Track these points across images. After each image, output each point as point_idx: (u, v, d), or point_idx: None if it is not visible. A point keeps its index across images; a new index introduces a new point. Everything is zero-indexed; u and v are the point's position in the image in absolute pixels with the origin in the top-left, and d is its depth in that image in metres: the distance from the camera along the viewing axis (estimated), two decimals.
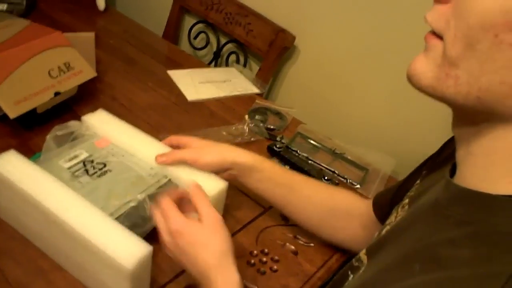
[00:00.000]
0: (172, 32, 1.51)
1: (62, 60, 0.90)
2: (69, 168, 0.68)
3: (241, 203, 0.79)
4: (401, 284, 0.38)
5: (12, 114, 0.79)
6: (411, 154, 1.09)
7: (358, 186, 0.94)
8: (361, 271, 0.51)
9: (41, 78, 0.85)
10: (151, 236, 0.64)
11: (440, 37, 0.37)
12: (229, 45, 1.42)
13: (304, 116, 1.14)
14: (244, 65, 1.39)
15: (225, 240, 0.56)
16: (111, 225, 0.59)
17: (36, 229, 0.65)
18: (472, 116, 0.38)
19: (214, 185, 0.69)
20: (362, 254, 0.53)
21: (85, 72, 0.93)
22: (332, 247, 0.78)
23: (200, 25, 1.47)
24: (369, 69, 1.14)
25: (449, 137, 0.56)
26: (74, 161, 0.70)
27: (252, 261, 0.73)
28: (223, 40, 1.43)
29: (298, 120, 1.11)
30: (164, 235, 0.57)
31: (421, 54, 0.39)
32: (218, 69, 1.34)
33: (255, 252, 0.75)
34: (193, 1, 1.43)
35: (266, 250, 0.75)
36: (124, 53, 1.24)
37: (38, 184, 0.62)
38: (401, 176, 1.01)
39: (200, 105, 1.10)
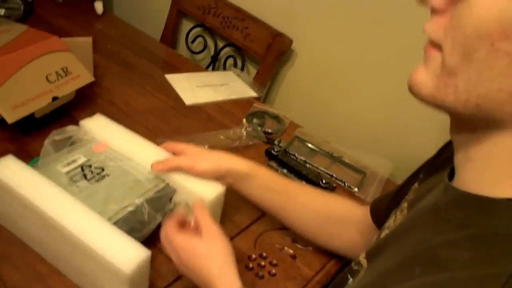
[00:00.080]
0: (169, 36, 1.52)
1: (60, 65, 0.90)
2: (67, 172, 0.68)
3: (239, 207, 0.80)
4: (401, 286, 0.38)
5: (10, 119, 0.79)
6: (409, 157, 1.09)
7: (356, 189, 0.94)
8: (360, 274, 0.51)
9: (39, 83, 0.85)
10: (149, 240, 0.64)
11: (438, 47, 0.38)
12: (227, 49, 1.43)
13: (301, 120, 1.14)
14: (242, 69, 1.39)
15: (226, 250, 0.58)
16: (109, 229, 0.59)
17: (34, 234, 0.65)
18: (471, 123, 0.39)
19: (212, 189, 0.69)
20: (362, 258, 0.53)
21: (83, 76, 0.93)
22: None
23: (197, 29, 1.47)
24: (366, 73, 1.14)
25: (446, 140, 0.56)
26: (72, 166, 0.70)
27: (251, 265, 0.73)
28: (220, 44, 1.44)
29: (296, 124, 1.12)
30: (172, 255, 0.60)
31: (421, 65, 0.39)
32: (215, 73, 1.34)
33: (253, 256, 0.75)
34: (190, 5, 1.43)
35: (264, 254, 0.75)
36: (121, 57, 1.24)
37: (36, 189, 0.62)
38: (399, 179, 1.02)
39: (198, 109, 1.10)
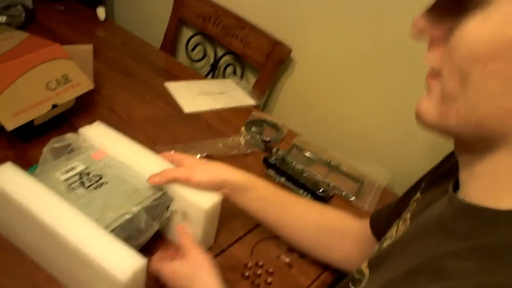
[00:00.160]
0: (170, 44, 1.53)
1: (60, 73, 0.91)
2: (65, 180, 0.69)
3: (236, 216, 0.80)
4: None
5: (9, 126, 0.80)
6: (406, 166, 1.10)
7: (353, 198, 0.95)
8: (363, 284, 0.51)
9: (39, 91, 0.86)
10: (146, 248, 0.65)
11: (438, 75, 0.40)
12: (226, 57, 1.44)
13: (300, 128, 1.15)
14: (241, 77, 1.40)
15: (209, 268, 0.61)
16: (106, 237, 0.59)
17: (31, 241, 0.65)
18: (474, 144, 0.41)
19: (209, 198, 0.69)
20: (364, 267, 0.54)
21: (83, 84, 0.94)
22: None
23: (197, 37, 1.48)
24: (364, 82, 1.15)
25: (443, 150, 0.57)
26: (71, 173, 0.70)
27: (247, 273, 0.73)
28: (220, 52, 1.45)
29: (294, 132, 1.12)
30: (166, 283, 0.63)
31: (424, 96, 0.42)
32: (215, 81, 1.35)
33: (249, 264, 0.75)
34: (190, 14, 1.44)
35: (260, 263, 0.75)
36: (122, 65, 1.25)
37: (33, 196, 0.62)
38: (396, 189, 1.03)
39: (197, 117, 1.10)
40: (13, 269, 0.65)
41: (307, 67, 1.26)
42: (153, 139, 0.98)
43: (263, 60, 1.28)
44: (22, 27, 1.25)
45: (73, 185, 0.68)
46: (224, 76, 1.46)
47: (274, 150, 1.01)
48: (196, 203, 0.68)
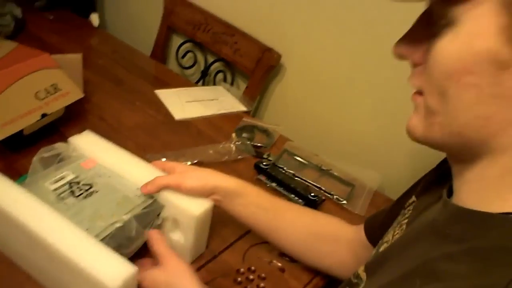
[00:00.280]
0: (160, 51, 1.53)
1: (49, 82, 0.91)
2: (55, 189, 0.69)
3: (227, 222, 0.80)
4: None
5: None
6: (397, 169, 1.11)
7: (344, 201, 0.95)
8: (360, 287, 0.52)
9: (28, 100, 0.86)
10: (137, 256, 0.65)
11: (422, 93, 0.43)
12: (217, 64, 1.44)
13: (290, 133, 1.15)
14: (232, 84, 1.41)
15: (185, 273, 0.61)
16: (97, 246, 0.59)
17: (22, 252, 0.65)
18: (461, 153, 0.43)
19: (200, 204, 0.69)
20: (361, 271, 0.54)
21: (72, 93, 0.94)
22: None
23: (187, 45, 1.49)
24: (354, 87, 1.16)
25: (433, 154, 0.57)
26: (60, 183, 0.70)
27: (239, 279, 0.73)
28: (210, 59, 1.45)
29: (285, 137, 1.13)
30: None
31: (413, 113, 0.45)
32: (205, 88, 1.36)
33: (241, 270, 0.75)
34: (180, 21, 1.45)
35: (253, 268, 0.76)
36: (112, 73, 1.25)
37: (23, 207, 0.62)
38: (387, 192, 1.04)
39: (188, 124, 1.11)
40: (5, 281, 0.65)
41: (297, 73, 1.27)
42: (143, 146, 0.98)
43: (253, 67, 1.29)
44: (11, 36, 1.25)
45: (62, 195, 0.68)
46: (214, 83, 1.47)
47: (265, 155, 1.01)
48: (187, 209, 0.68)
